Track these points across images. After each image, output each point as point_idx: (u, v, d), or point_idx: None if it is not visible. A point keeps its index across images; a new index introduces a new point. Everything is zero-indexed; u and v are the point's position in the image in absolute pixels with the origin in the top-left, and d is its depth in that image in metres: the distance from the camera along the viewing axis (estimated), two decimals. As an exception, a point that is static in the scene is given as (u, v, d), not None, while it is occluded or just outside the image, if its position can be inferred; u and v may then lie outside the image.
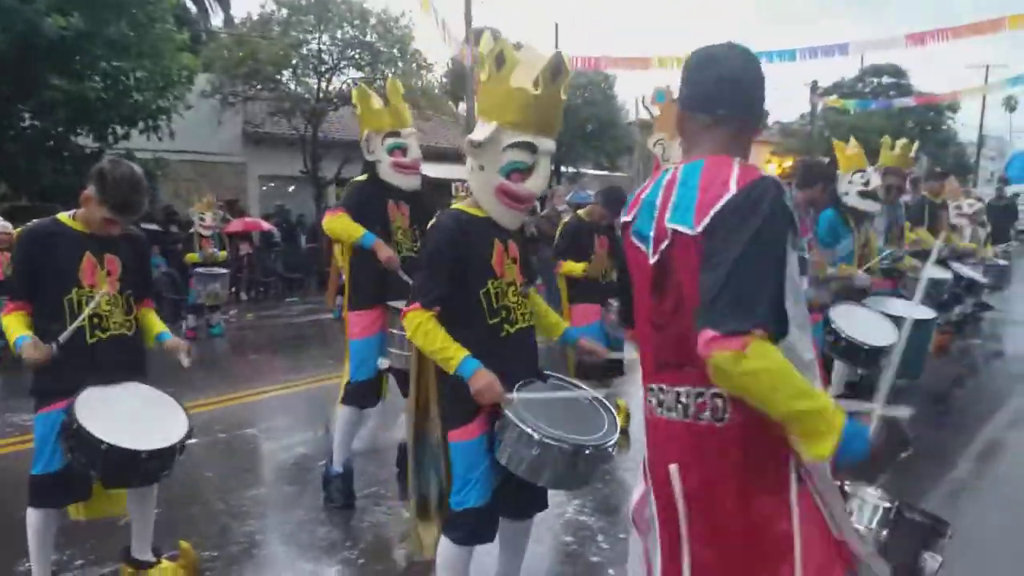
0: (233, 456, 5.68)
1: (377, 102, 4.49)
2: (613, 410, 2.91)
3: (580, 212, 6.10)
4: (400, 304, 4.16)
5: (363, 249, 4.30)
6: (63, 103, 11.60)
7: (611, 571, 3.72)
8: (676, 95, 3.87)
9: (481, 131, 2.75)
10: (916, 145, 7.16)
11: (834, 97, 32.84)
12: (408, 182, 4.50)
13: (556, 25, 29.51)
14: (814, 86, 31.39)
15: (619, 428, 2.80)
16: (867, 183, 5.71)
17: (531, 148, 2.75)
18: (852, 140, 6.16)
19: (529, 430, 2.60)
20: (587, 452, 2.65)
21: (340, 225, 4.38)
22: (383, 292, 4.29)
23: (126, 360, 3.33)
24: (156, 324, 3.52)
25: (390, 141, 4.41)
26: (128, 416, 3.13)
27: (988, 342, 9.91)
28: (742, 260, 1.63)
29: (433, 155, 22.36)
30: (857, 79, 36.38)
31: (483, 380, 2.65)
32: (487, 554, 3.14)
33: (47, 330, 3.15)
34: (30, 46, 10.70)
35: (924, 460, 5.31)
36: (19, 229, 3.34)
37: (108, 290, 3.25)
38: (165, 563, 3.59)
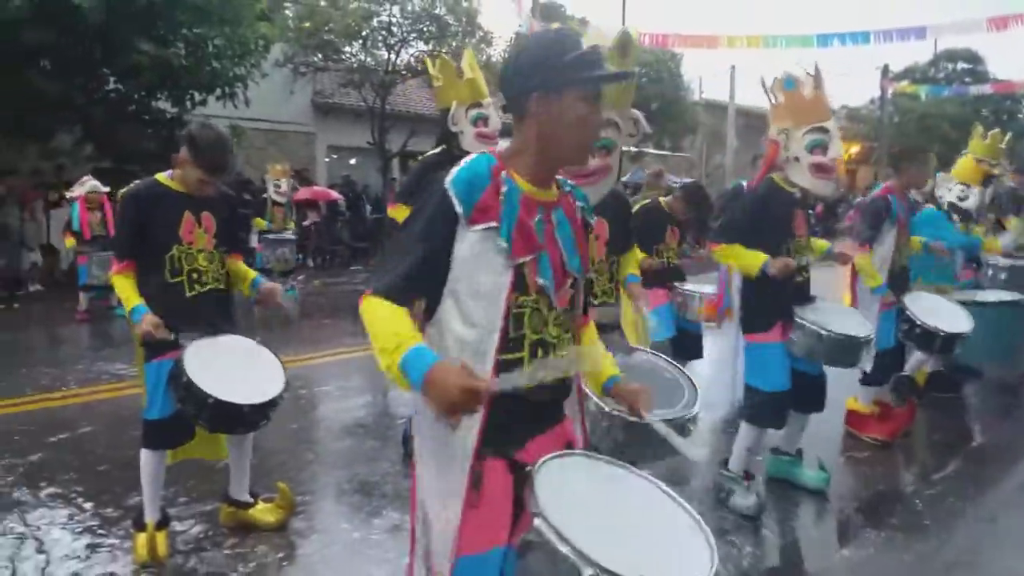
0: (316, 411, 5.92)
1: (459, 74, 4.58)
2: (692, 379, 3.00)
3: (662, 200, 6.03)
4: None
5: None
6: (147, 68, 11.95)
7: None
8: (806, 83, 3.89)
9: None
10: (1008, 137, 7.09)
11: (906, 83, 31.96)
12: None
13: (623, 1, 29.16)
14: (885, 70, 30.59)
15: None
16: (964, 199, 5.85)
17: (615, 126, 2.88)
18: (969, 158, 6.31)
19: (611, 411, 2.67)
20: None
21: (396, 214, 4.60)
22: None
23: (223, 312, 3.56)
24: (249, 272, 3.72)
25: (474, 112, 4.51)
26: (232, 369, 3.35)
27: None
28: (398, 235, 1.95)
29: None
30: (931, 64, 35.29)
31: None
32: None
33: (146, 282, 3.37)
34: (119, 11, 11.07)
35: (993, 451, 5.32)
36: (123, 190, 3.54)
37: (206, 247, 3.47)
38: (262, 504, 3.83)
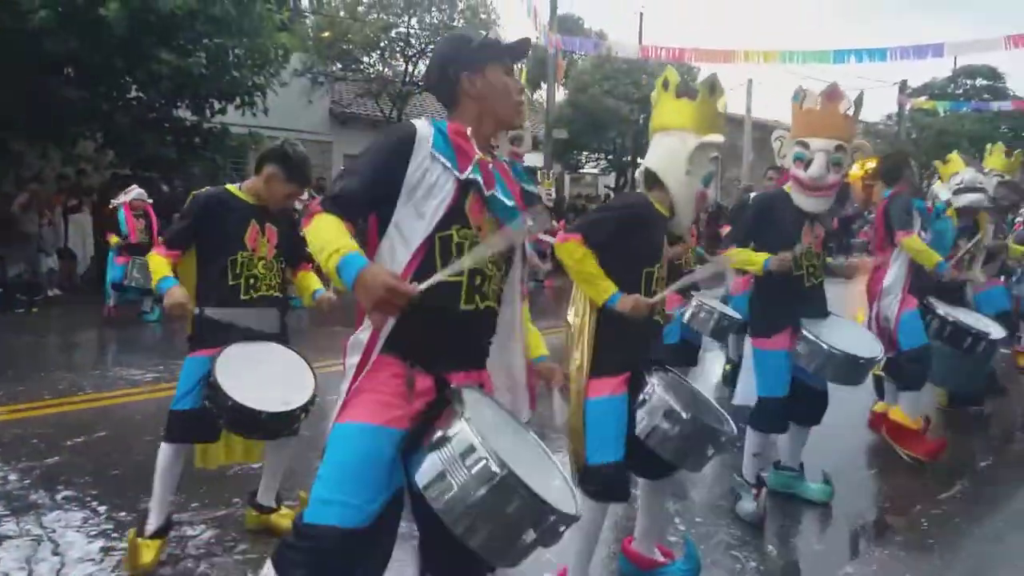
0: (328, 419, 5.92)
1: None
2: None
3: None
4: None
5: None
6: (168, 77, 12.13)
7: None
8: (809, 97, 4.00)
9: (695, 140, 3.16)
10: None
11: (924, 98, 31.85)
12: None
13: (640, 15, 29.39)
14: (903, 86, 30.51)
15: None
16: (961, 181, 5.89)
17: (716, 147, 3.19)
18: (954, 153, 6.41)
19: (679, 409, 2.94)
20: (722, 439, 3.03)
21: None
22: None
23: (270, 320, 3.69)
24: (314, 282, 3.88)
25: (513, 132, 4.68)
26: (262, 375, 3.41)
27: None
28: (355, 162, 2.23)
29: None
30: (949, 80, 35.16)
31: (629, 300, 3.01)
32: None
33: (214, 285, 3.54)
34: (143, 21, 11.25)
35: (1001, 471, 5.35)
36: (193, 192, 3.75)
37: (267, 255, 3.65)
38: (285, 509, 3.91)
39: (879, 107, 52.75)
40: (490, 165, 2.19)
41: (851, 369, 4.08)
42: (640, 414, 3.04)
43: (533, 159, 19.48)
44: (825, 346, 3.98)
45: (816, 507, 4.44)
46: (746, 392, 4.33)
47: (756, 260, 4.04)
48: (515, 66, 2.36)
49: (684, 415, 2.93)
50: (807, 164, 3.96)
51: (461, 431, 1.79)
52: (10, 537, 3.83)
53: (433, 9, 18.36)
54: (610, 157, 24.57)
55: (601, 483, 3.08)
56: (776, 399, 4.13)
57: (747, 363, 4.42)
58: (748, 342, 4.41)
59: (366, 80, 19.11)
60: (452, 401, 1.94)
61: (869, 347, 4.20)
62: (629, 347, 3.13)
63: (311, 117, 19.59)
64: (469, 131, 2.17)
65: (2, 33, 10.58)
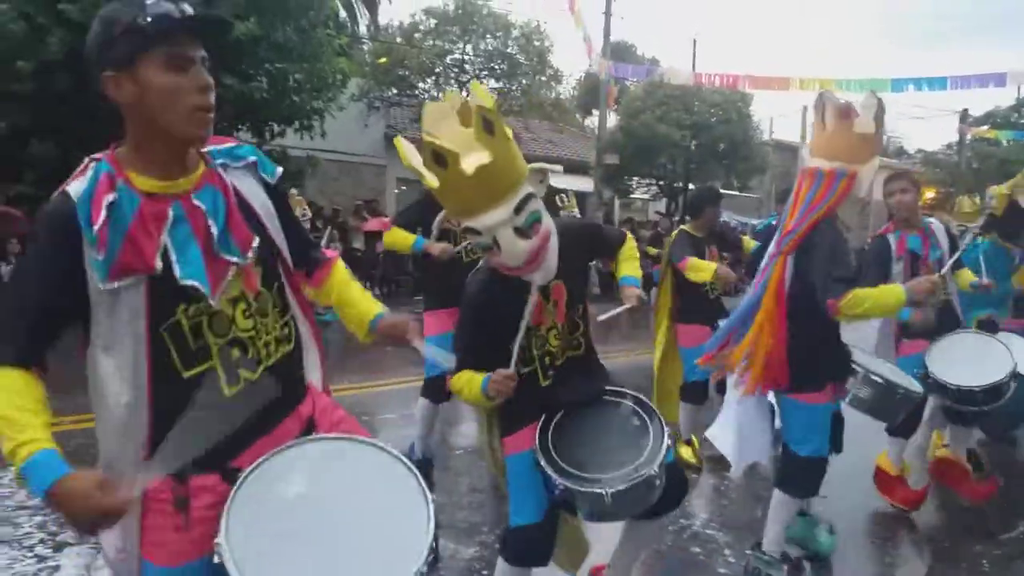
0: (377, 438, 5.97)
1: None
2: (661, 426, 2.69)
3: (685, 227, 5.72)
4: None
5: (421, 254, 4.69)
6: (231, 101, 12.48)
7: (739, 583, 3.82)
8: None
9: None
10: None
11: (986, 128, 31.15)
12: None
13: (694, 41, 29.56)
14: (964, 115, 29.89)
15: (668, 450, 2.62)
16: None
17: (475, 232, 2.48)
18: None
19: (552, 474, 2.60)
20: (609, 493, 2.50)
21: (392, 238, 4.75)
22: (450, 294, 3.99)
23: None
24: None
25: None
26: None
27: None
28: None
29: (561, 167, 22.77)
30: (1013, 109, 34.31)
31: (493, 386, 2.58)
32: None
33: None
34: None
35: None
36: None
37: None
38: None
39: (939, 136, 51.70)
40: (199, 202, 1.68)
41: (903, 405, 3.77)
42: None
43: (582, 184, 19.53)
44: (891, 383, 3.62)
45: (872, 544, 4.33)
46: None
47: (893, 293, 3.34)
48: (197, 53, 1.63)
49: (561, 482, 2.58)
50: None
51: (220, 549, 1.62)
52: (71, 544, 3.94)
53: (487, 36, 18.61)
54: (661, 183, 24.51)
55: (519, 547, 2.79)
56: (819, 459, 3.57)
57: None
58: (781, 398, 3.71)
59: (420, 105, 19.39)
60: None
61: (914, 382, 3.91)
62: (525, 401, 2.73)
63: (366, 140, 19.96)
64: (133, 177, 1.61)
65: (73, 54, 11.00)
